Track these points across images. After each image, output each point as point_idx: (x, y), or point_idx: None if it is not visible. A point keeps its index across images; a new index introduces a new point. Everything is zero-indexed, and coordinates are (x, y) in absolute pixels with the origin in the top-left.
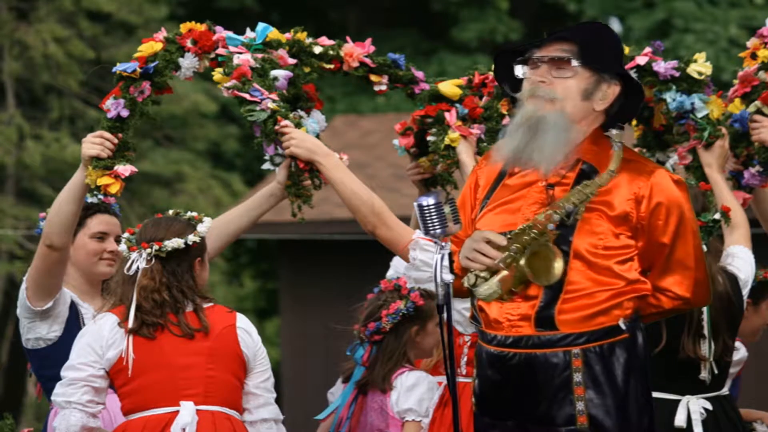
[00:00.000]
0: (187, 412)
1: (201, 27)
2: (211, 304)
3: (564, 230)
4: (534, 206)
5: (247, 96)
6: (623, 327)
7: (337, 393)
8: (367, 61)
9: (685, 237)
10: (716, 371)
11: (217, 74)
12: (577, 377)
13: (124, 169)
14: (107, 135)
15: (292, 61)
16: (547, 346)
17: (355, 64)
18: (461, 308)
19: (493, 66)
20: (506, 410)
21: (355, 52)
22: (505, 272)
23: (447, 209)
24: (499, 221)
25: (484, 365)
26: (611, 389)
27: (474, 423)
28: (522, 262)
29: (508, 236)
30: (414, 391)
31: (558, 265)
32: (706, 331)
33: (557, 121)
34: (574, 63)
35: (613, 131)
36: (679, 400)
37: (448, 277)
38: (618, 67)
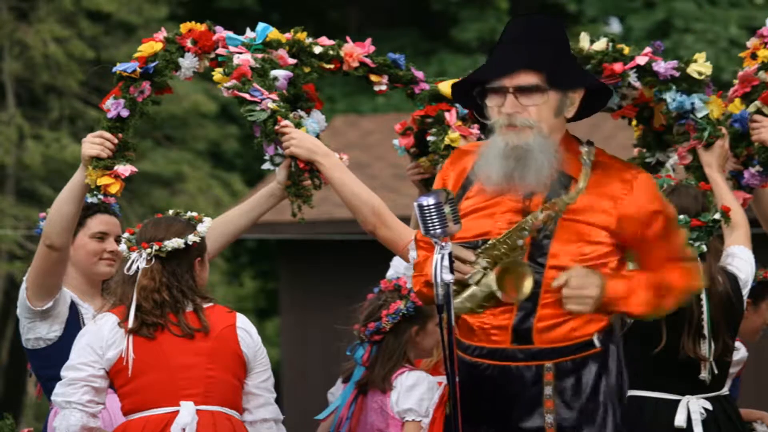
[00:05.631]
0: (187, 412)
1: (201, 27)
2: (211, 304)
3: (540, 241)
4: (508, 214)
5: (247, 96)
6: (596, 343)
7: (337, 393)
8: (367, 61)
9: (671, 235)
10: (716, 371)
11: (217, 74)
12: (548, 390)
13: (124, 169)
14: (107, 135)
15: (292, 61)
16: (521, 359)
17: (355, 64)
18: None
19: (451, 94)
20: (479, 419)
21: (355, 52)
22: (474, 287)
23: (447, 209)
24: (471, 228)
25: (459, 373)
26: (580, 402)
27: (445, 427)
28: (491, 278)
29: (479, 250)
30: (414, 391)
31: (527, 284)
32: (706, 331)
33: (541, 145)
34: (544, 89)
35: (584, 148)
36: (679, 400)
37: (448, 277)
38: (582, 79)
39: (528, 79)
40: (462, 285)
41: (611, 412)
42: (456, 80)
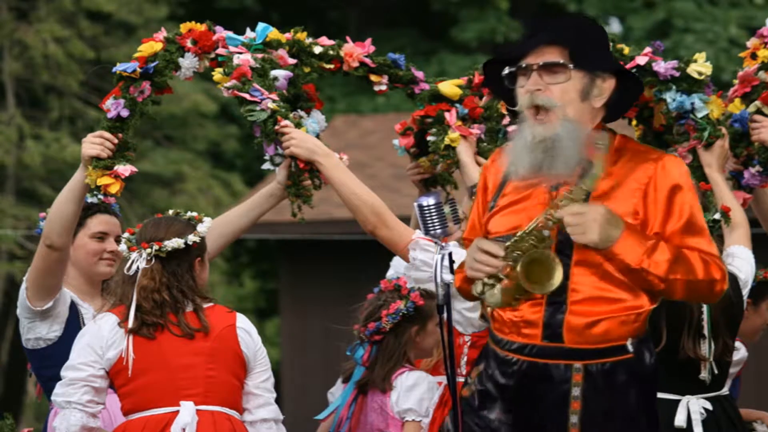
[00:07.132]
0: (187, 412)
1: (201, 27)
2: (211, 304)
3: (567, 234)
4: (538, 207)
5: (247, 96)
6: (630, 348)
7: (337, 393)
8: (367, 61)
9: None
10: (716, 371)
11: (217, 74)
12: (576, 391)
13: (124, 169)
14: (107, 135)
15: (292, 61)
16: (551, 357)
17: (355, 64)
18: (461, 308)
19: (483, 77)
20: (503, 414)
21: (355, 52)
22: (506, 280)
23: (447, 209)
24: (504, 223)
25: (490, 365)
26: (608, 408)
27: (456, 414)
28: (518, 269)
29: (507, 243)
30: (414, 391)
31: (557, 274)
32: (706, 331)
33: (569, 132)
34: (567, 67)
35: (597, 134)
36: (679, 400)
37: (448, 277)
38: (609, 62)
39: (552, 55)
40: (496, 279)
41: (640, 422)
42: (457, 80)
